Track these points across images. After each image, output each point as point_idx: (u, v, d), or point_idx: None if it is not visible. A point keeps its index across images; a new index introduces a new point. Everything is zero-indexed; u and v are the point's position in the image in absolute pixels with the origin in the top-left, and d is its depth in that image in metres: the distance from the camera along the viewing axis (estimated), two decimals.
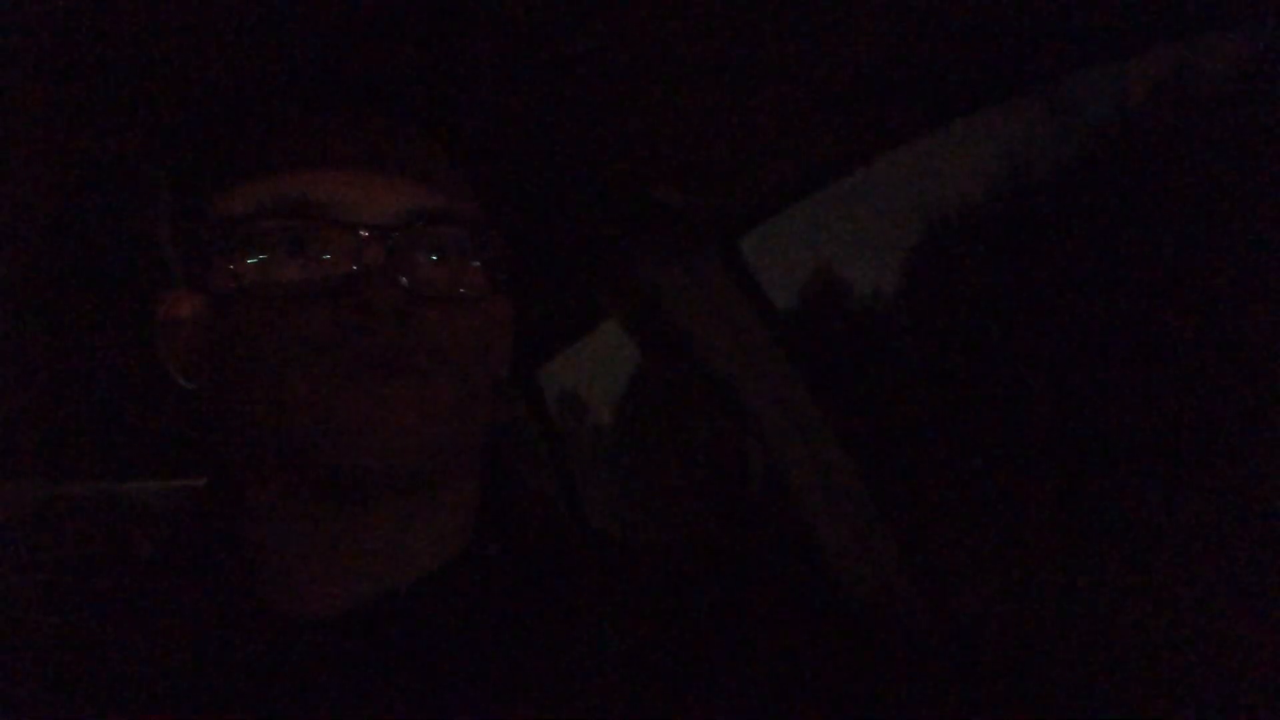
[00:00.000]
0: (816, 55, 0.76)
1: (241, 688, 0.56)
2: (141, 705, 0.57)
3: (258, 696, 0.56)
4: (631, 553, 0.67)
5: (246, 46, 0.64)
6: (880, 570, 1.17)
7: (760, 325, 1.19)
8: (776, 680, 0.60)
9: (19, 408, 1.47)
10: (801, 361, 1.21)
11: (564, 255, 1.23)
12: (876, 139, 0.89)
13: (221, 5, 0.60)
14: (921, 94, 0.80)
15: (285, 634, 0.58)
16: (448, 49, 0.70)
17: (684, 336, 1.18)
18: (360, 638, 0.57)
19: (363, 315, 0.55)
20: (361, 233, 0.57)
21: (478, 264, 0.63)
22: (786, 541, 1.24)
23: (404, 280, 0.57)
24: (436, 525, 0.62)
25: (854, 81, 0.79)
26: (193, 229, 0.62)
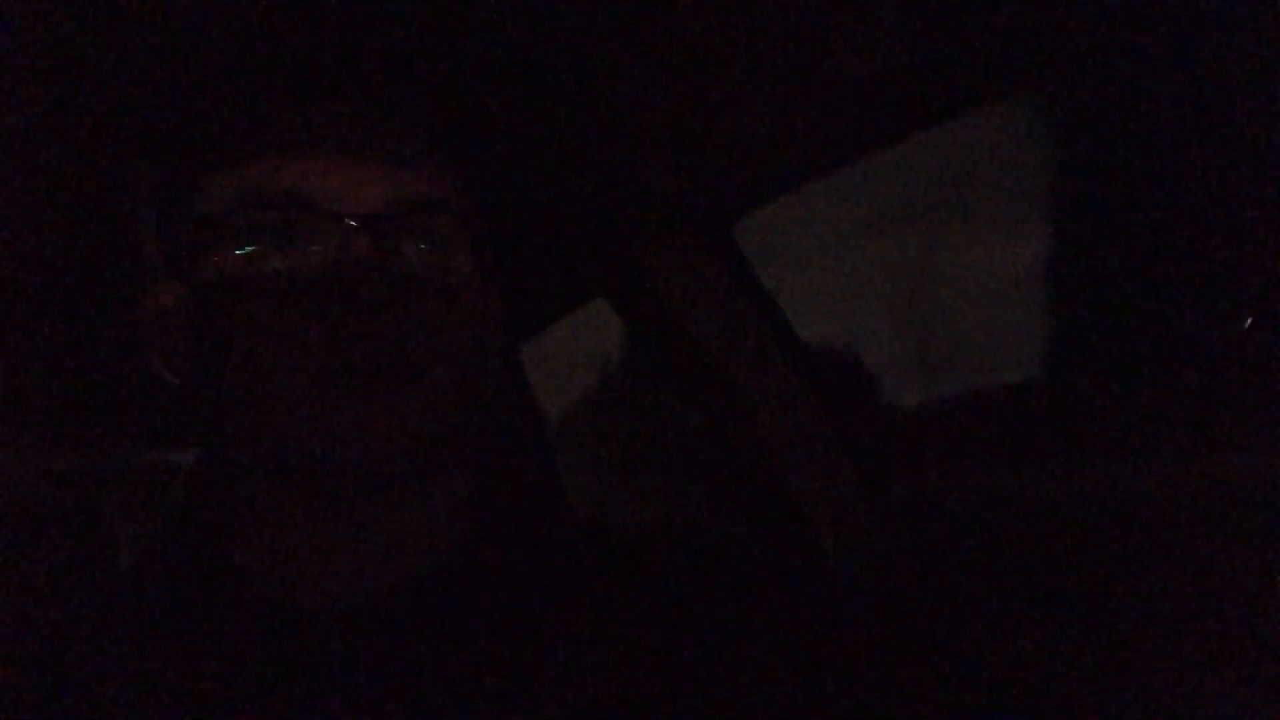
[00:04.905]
0: (813, 44, 0.75)
1: (238, 681, 0.56)
2: (135, 699, 0.56)
3: (256, 690, 0.55)
4: (625, 542, 0.66)
5: (229, 34, 0.63)
6: (871, 552, 1.18)
7: (752, 309, 1.19)
8: (772, 666, 0.60)
9: (12, 381, 1.45)
10: (792, 345, 1.21)
11: (555, 239, 1.22)
12: (874, 132, 0.88)
13: None
14: (920, 88, 0.80)
15: (282, 627, 0.57)
16: (433, 34, 0.69)
17: (675, 319, 1.17)
18: (358, 632, 0.57)
19: (350, 308, 0.54)
20: (348, 222, 0.55)
21: (466, 252, 0.61)
22: (778, 525, 1.24)
23: (392, 270, 0.56)
24: (432, 517, 0.61)
25: (852, 72, 0.78)
26: (176, 219, 0.61)
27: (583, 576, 0.62)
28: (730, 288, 1.16)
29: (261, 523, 0.60)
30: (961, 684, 1.05)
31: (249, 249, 0.56)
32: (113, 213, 0.83)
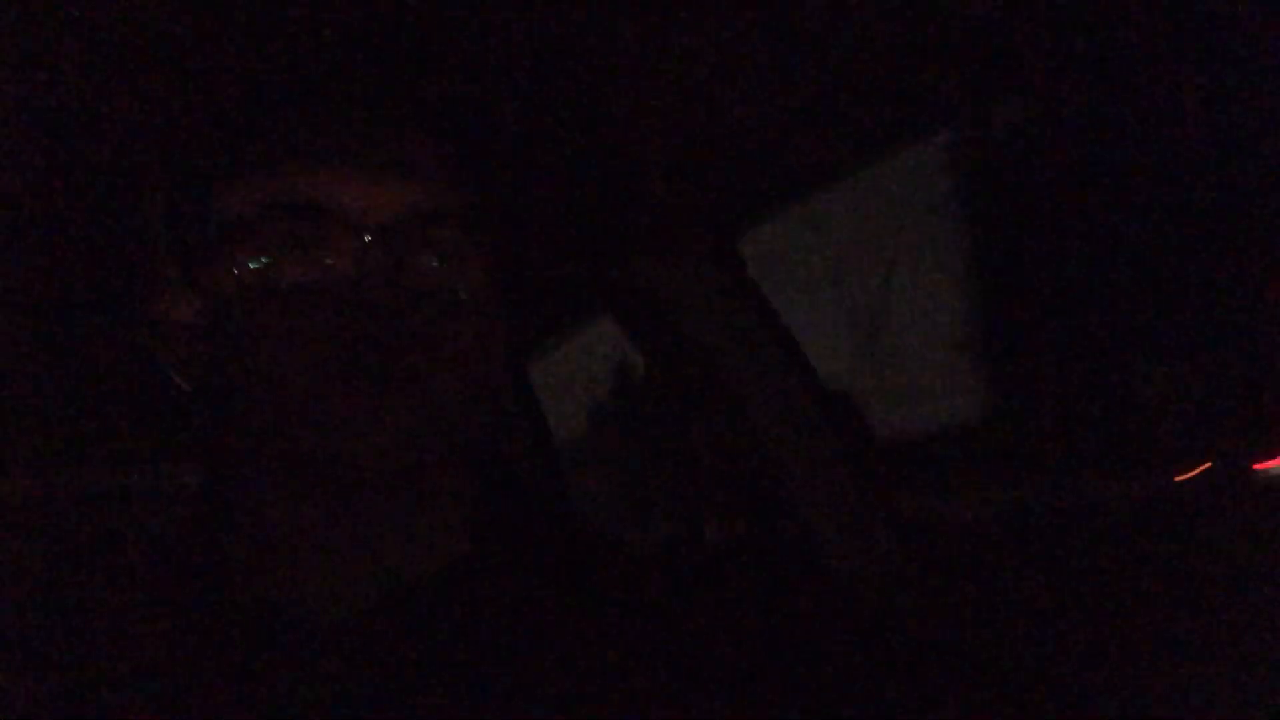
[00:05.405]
0: (815, 57, 0.76)
1: (239, 684, 0.56)
2: (138, 701, 0.56)
3: (256, 692, 0.56)
4: (629, 550, 0.67)
5: (247, 44, 0.64)
6: (877, 565, 1.18)
7: (756, 323, 1.19)
8: (774, 676, 0.60)
9: (14, 400, 1.46)
10: (795, 355, 1.21)
11: (561, 253, 1.23)
12: (876, 142, 0.89)
13: (223, 4, 0.59)
14: (920, 97, 0.80)
15: (284, 631, 0.58)
16: (446, 47, 0.70)
17: (680, 333, 1.18)
18: (360, 636, 0.57)
19: (365, 319, 0.55)
20: (364, 235, 0.56)
21: (478, 264, 0.62)
22: (780, 534, 1.24)
23: (405, 282, 0.57)
24: (436, 523, 0.62)
25: (853, 84, 0.79)
26: (191, 228, 0.61)
27: (586, 585, 0.63)
28: (733, 298, 1.17)
29: (266, 526, 0.60)
30: (959, 689, 1.05)
31: (264, 260, 0.57)
32: (128, 224, 0.84)
